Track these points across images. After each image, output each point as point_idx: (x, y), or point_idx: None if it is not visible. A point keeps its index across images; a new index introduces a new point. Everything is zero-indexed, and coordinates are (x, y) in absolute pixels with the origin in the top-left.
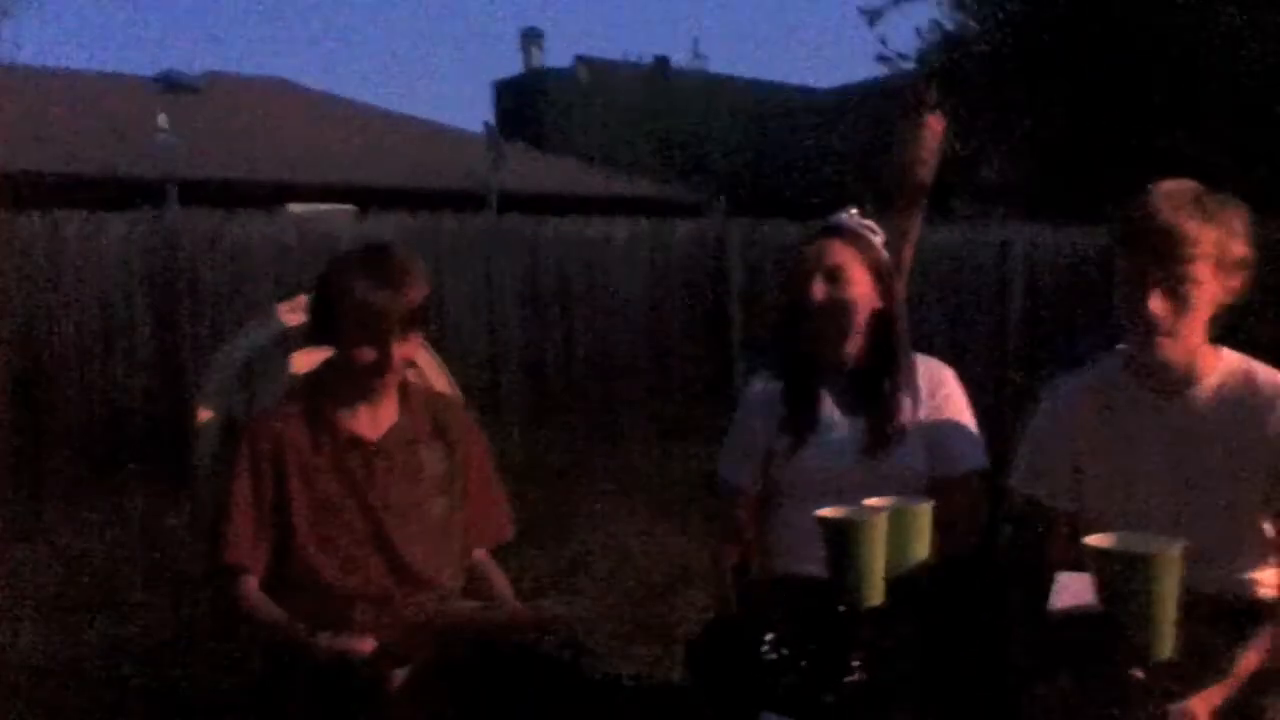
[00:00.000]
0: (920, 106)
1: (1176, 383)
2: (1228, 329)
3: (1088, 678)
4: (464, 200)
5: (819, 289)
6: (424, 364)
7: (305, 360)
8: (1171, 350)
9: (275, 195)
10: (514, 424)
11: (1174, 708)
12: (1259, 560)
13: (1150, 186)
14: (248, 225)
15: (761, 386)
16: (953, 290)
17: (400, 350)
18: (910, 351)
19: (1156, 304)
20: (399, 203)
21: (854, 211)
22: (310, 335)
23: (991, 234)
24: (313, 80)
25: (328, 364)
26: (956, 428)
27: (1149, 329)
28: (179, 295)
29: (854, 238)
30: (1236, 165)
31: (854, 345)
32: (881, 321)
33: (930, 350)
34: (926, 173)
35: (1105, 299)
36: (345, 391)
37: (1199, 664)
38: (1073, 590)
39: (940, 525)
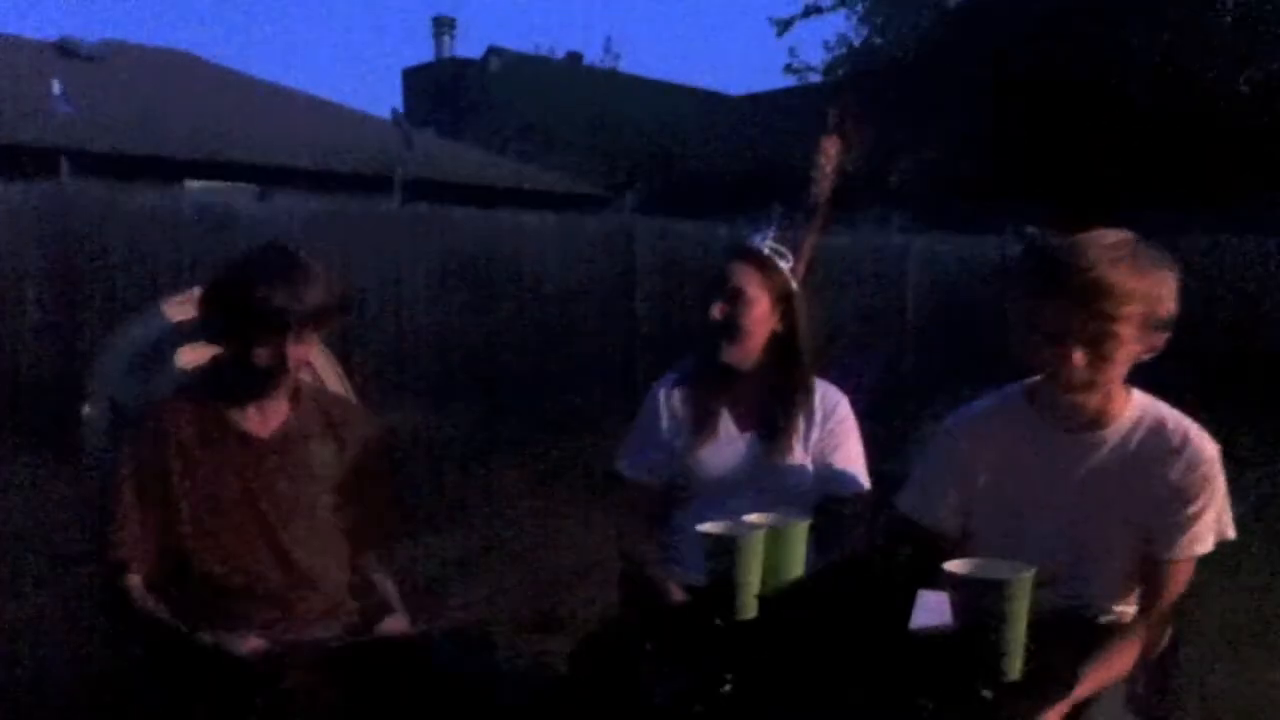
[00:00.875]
0: (823, 130)
1: (1083, 425)
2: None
3: (945, 699)
4: (369, 184)
5: (718, 309)
6: (318, 364)
7: (191, 356)
8: (1087, 399)
9: (174, 170)
10: (419, 409)
11: None
12: (1124, 587)
13: (1084, 235)
14: (145, 200)
15: (667, 387)
16: (853, 293)
17: (296, 352)
18: (809, 372)
19: (1079, 359)
20: (302, 184)
21: (770, 235)
22: (205, 332)
23: (890, 240)
24: (217, 55)
25: (219, 361)
26: (844, 451)
27: (1067, 381)
28: (72, 267)
29: (760, 262)
30: (1135, 177)
31: (751, 363)
32: (781, 343)
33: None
34: (822, 190)
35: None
36: (237, 389)
37: (1049, 681)
38: (933, 609)
39: (818, 542)
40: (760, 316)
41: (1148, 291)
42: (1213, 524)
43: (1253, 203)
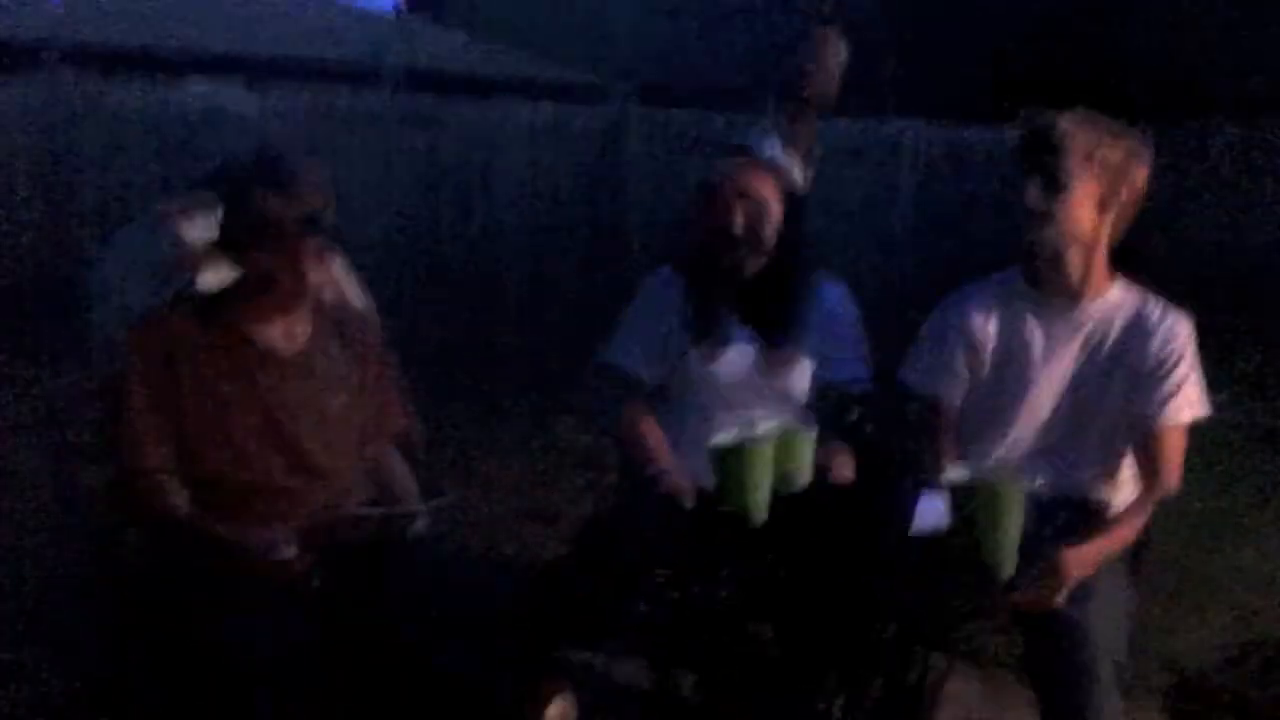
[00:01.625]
0: (822, 20)
1: (1070, 291)
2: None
3: (944, 593)
4: (364, 77)
5: (741, 216)
6: (339, 277)
7: (215, 278)
8: (1058, 248)
9: (166, 65)
10: (406, 307)
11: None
12: (1112, 470)
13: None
14: (132, 94)
15: (663, 280)
16: (848, 185)
17: (307, 257)
18: (811, 273)
19: (1033, 193)
20: (292, 74)
21: (776, 141)
22: (221, 244)
23: (884, 129)
24: None
25: (241, 278)
26: (846, 344)
27: (1028, 214)
28: (59, 163)
29: (768, 164)
30: (1131, 74)
31: (755, 264)
32: (783, 244)
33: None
34: (825, 85)
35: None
36: (259, 304)
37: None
38: (933, 512)
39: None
40: (776, 224)
41: (1092, 134)
42: (1195, 395)
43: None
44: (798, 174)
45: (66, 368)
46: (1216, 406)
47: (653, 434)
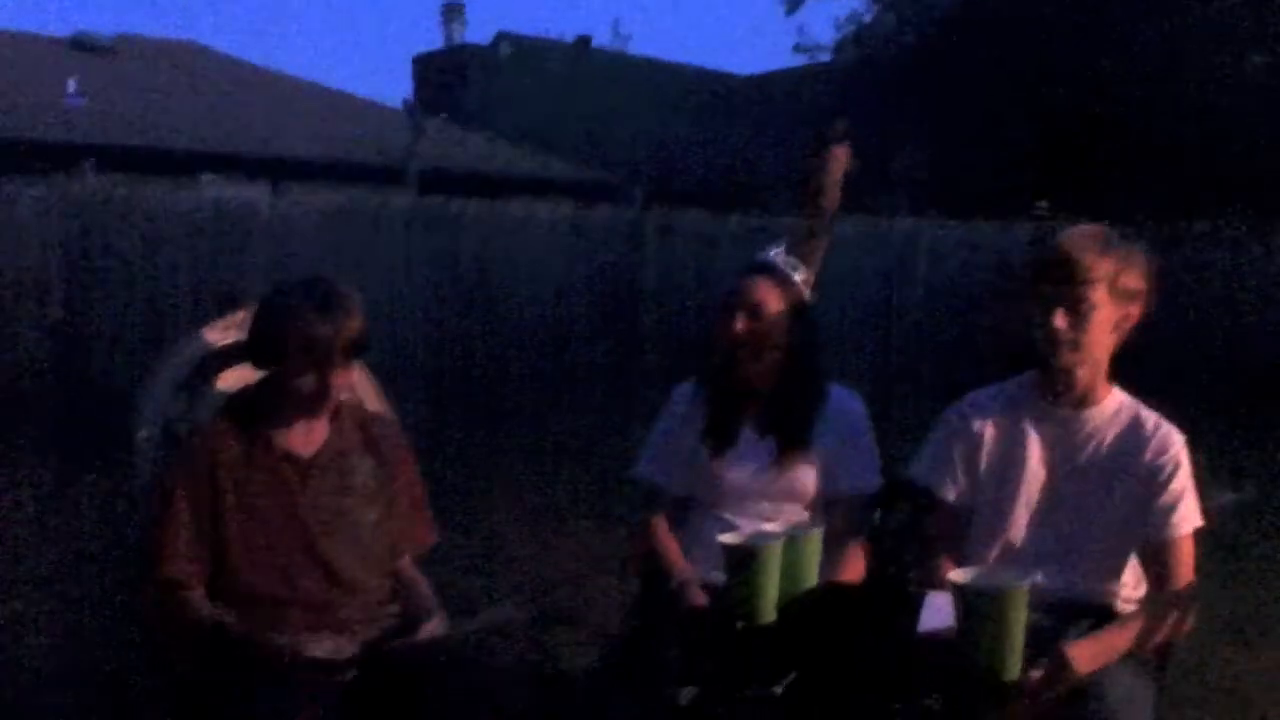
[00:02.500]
0: (831, 138)
1: (1075, 401)
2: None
3: (949, 699)
4: (382, 176)
5: (740, 323)
6: (357, 381)
7: (232, 378)
8: (1076, 364)
9: (188, 164)
10: (427, 400)
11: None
12: (1118, 575)
13: (1066, 229)
14: (161, 196)
15: (687, 393)
16: (857, 280)
17: (338, 379)
18: (823, 380)
19: (1060, 320)
20: (315, 175)
21: (780, 250)
22: (251, 358)
23: (897, 226)
24: (229, 47)
25: (263, 383)
26: (856, 452)
27: (1055, 342)
28: (90, 264)
29: (776, 277)
30: (1141, 169)
31: (770, 373)
32: (796, 353)
33: (830, 337)
34: (832, 200)
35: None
36: (281, 410)
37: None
38: (940, 612)
39: (830, 537)
40: (779, 330)
41: (1111, 263)
42: (1191, 507)
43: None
44: (806, 284)
45: (99, 471)
46: (1241, 502)
47: (669, 545)
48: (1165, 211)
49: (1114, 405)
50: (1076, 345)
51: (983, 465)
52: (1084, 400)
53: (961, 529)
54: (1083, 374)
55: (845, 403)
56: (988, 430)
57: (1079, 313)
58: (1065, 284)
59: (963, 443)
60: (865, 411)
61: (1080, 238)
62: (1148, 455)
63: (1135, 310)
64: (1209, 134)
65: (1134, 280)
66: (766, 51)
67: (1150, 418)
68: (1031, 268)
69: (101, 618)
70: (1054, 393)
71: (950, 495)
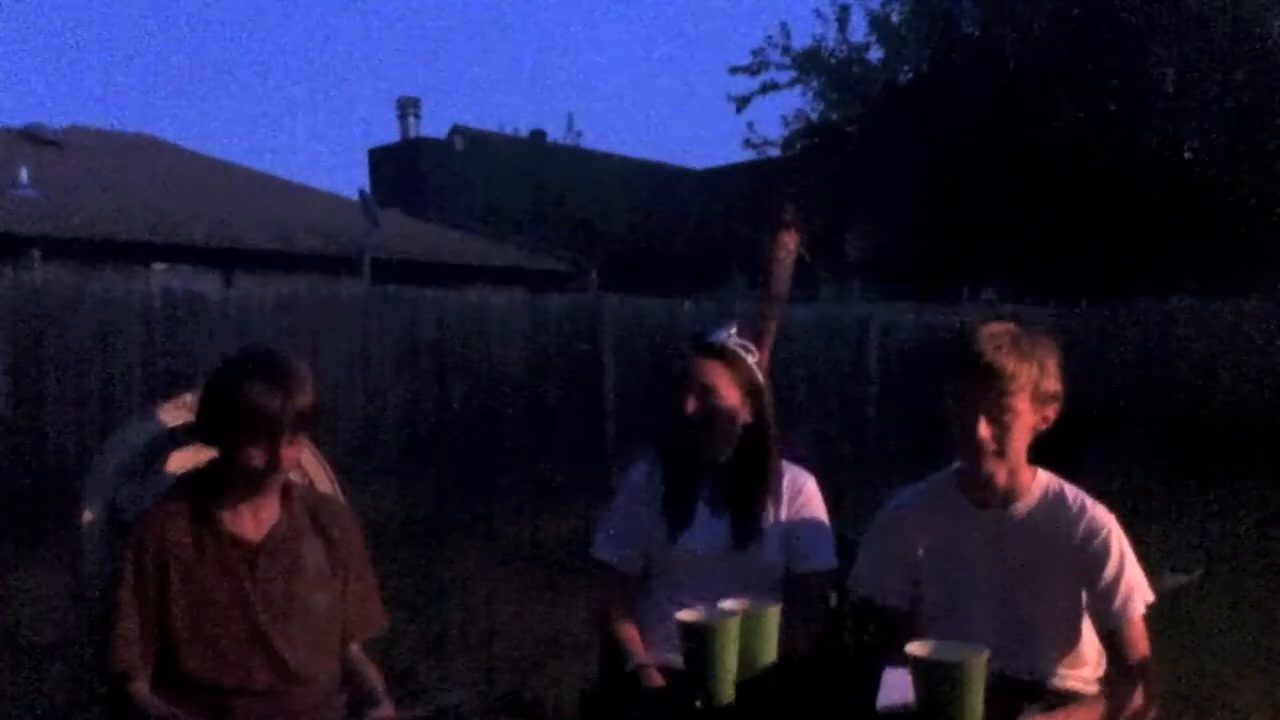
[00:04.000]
0: (779, 225)
1: (1000, 498)
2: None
3: None
4: (337, 265)
5: (692, 403)
6: (307, 463)
7: (181, 460)
8: (997, 468)
9: (140, 254)
10: (387, 489)
11: None
12: (1069, 660)
13: (974, 326)
14: (113, 288)
15: (642, 472)
16: (813, 363)
17: (288, 453)
18: (778, 459)
19: (984, 429)
20: (268, 265)
21: (732, 332)
22: (199, 435)
23: (850, 311)
24: (182, 138)
25: (212, 464)
26: (812, 529)
27: (978, 450)
28: (40, 356)
29: (728, 357)
30: (1084, 247)
31: (724, 451)
32: (750, 432)
33: (792, 418)
34: (782, 283)
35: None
36: (229, 491)
37: None
38: (897, 688)
39: (790, 614)
40: (731, 410)
41: (1032, 370)
42: (1136, 586)
43: (1197, 268)
44: (753, 361)
45: (46, 562)
46: (1189, 571)
47: (623, 624)
48: (1126, 282)
49: (1038, 493)
50: (1001, 453)
51: (923, 567)
52: (1008, 497)
53: (912, 628)
54: (1002, 476)
55: (799, 480)
56: (921, 532)
57: (1002, 422)
58: (988, 392)
59: (899, 547)
60: (818, 490)
61: (998, 341)
62: (1078, 539)
63: (1052, 412)
64: (1163, 208)
65: (1052, 383)
66: (717, 148)
67: (1076, 500)
68: (949, 367)
69: (46, 710)
70: (978, 492)
71: (893, 602)
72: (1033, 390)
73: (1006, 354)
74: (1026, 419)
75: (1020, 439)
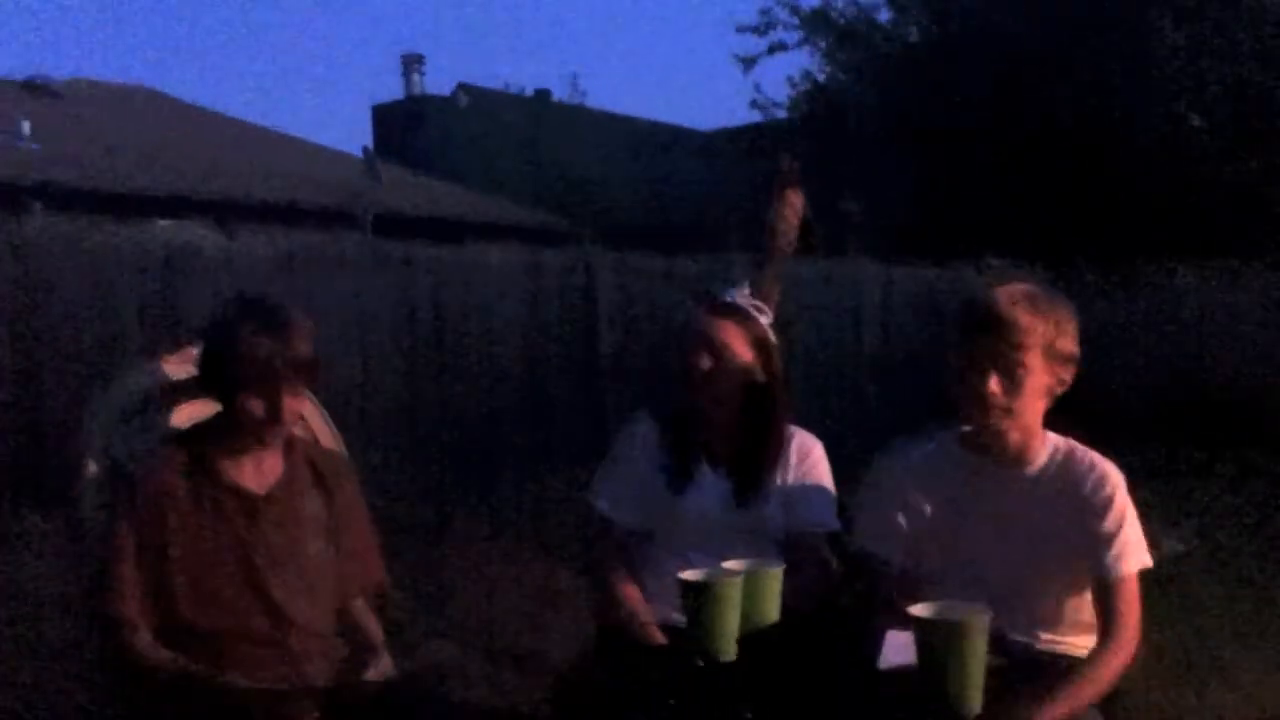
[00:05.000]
0: (784, 181)
1: (1009, 460)
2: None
3: None
4: (337, 220)
5: (706, 361)
6: (310, 416)
7: (189, 412)
8: (1007, 427)
9: (142, 207)
10: (381, 448)
11: None
12: (1072, 623)
13: (989, 285)
14: (111, 237)
15: (643, 427)
16: (813, 322)
17: (290, 404)
18: (786, 420)
19: (994, 385)
20: (269, 218)
21: (745, 291)
22: (200, 386)
23: (850, 270)
24: (187, 92)
25: (215, 416)
26: (816, 492)
27: (987, 407)
28: (39, 306)
29: (740, 316)
30: (1086, 218)
31: (732, 411)
32: (760, 392)
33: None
34: (787, 241)
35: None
36: (232, 443)
37: (1008, 715)
38: (899, 648)
39: (791, 576)
40: (744, 369)
41: (1045, 327)
42: (1134, 544)
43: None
44: (766, 322)
45: (50, 512)
46: (1186, 541)
47: (622, 579)
48: (1126, 254)
49: (1048, 453)
50: (1009, 410)
51: (924, 525)
52: (1018, 459)
53: (913, 587)
54: (1014, 437)
55: (806, 444)
56: (923, 489)
57: (1013, 378)
58: (999, 346)
59: (898, 501)
60: (824, 455)
61: (1014, 297)
62: (1085, 491)
63: (1068, 375)
64: (1163, 181)
65: (1068, 344)
66: (723, 109)
67: (1085, 456)
68: (961, 324)
69: (57, 663)
70: (984, 450)
71: (897, 555)
72: (1046, 348)
73: (1021, 309)
74: (1039, 377)
75: (1031, 398)
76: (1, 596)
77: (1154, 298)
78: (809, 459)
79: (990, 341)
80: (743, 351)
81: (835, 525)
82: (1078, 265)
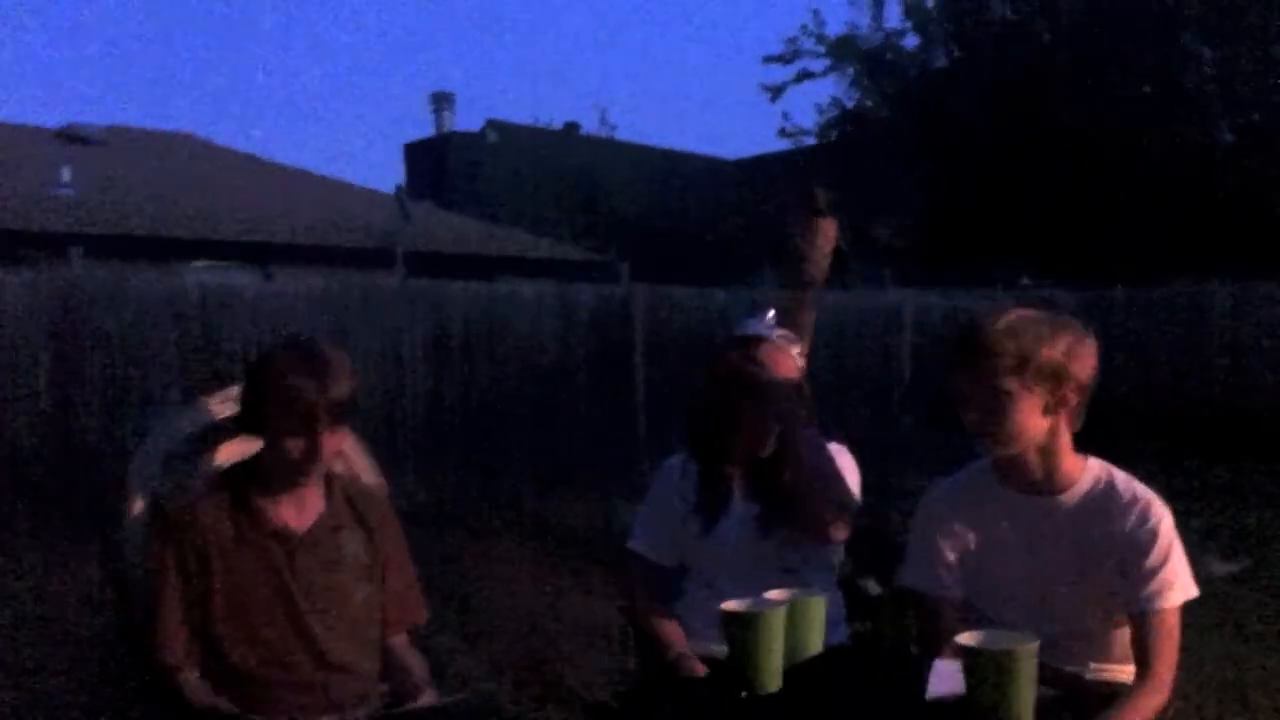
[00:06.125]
0: (816, 209)
1: (1041, 488)
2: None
3: None
4: (371, 259)
5: (733, 397)
6: (350, 453)
7: (230, 451)
8: (1020, 454)
9: (178, 251)
10: (419, 483)
11: None
12: (1120, 653)
13: (981, 311)
14: (150, 282)
15: (678, 464)
16: (845, 351)
17: (329, 442)
18: (807, 449)
19: (971, 416)
20: (304, 260)
21: (769, 320)
22: (240, 425)
23: (883, 298)
24: (221, 136)
25: (256, 455)
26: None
27: (978, 436)
28: (80, 352)
29: (765, 349)
30: (1118, 232)
31: (763, 444)
32: (790, 425)
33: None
34: (819, 270)
35: None
36: (272, 482)
37: None
38: (946, 677)
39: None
40: (772, 405)
41: (1015, 346)
42: (1176, 579)
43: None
44: (795, 353)
45: (88, 555)
46: (1232, 560)
47: (659, 614)
48: (1159, 272)
49: (1088, 483)
50: (998, 438)
51: (966, 559)
52: (1049, 485)
53: (967, 618)
54: (1033, 460)
55: (838, 456)
56: (963, 523)
57: (989, 405)
58: (969, 375)
59: (944, 536)
60: (853, 462)
61: (994, 323)
62: (1128, 526)
63: (1071, 391)
64: (1195, 198)
65: (1055, 356)
66: (751, 139)
67: (1128, 489)
68: (945, 359)
69: (89, 706)
70: (1013, 480)
71: (951, 593)
72: (1016, 368)
73: (993, 334)
74: (1023, 399)
75: (1025, 421)
76: (42, 635)
77: (1189, 309)
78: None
79: (960, 372)
80: (773, 383)
81: (854, 506)
82: (1110, 284)
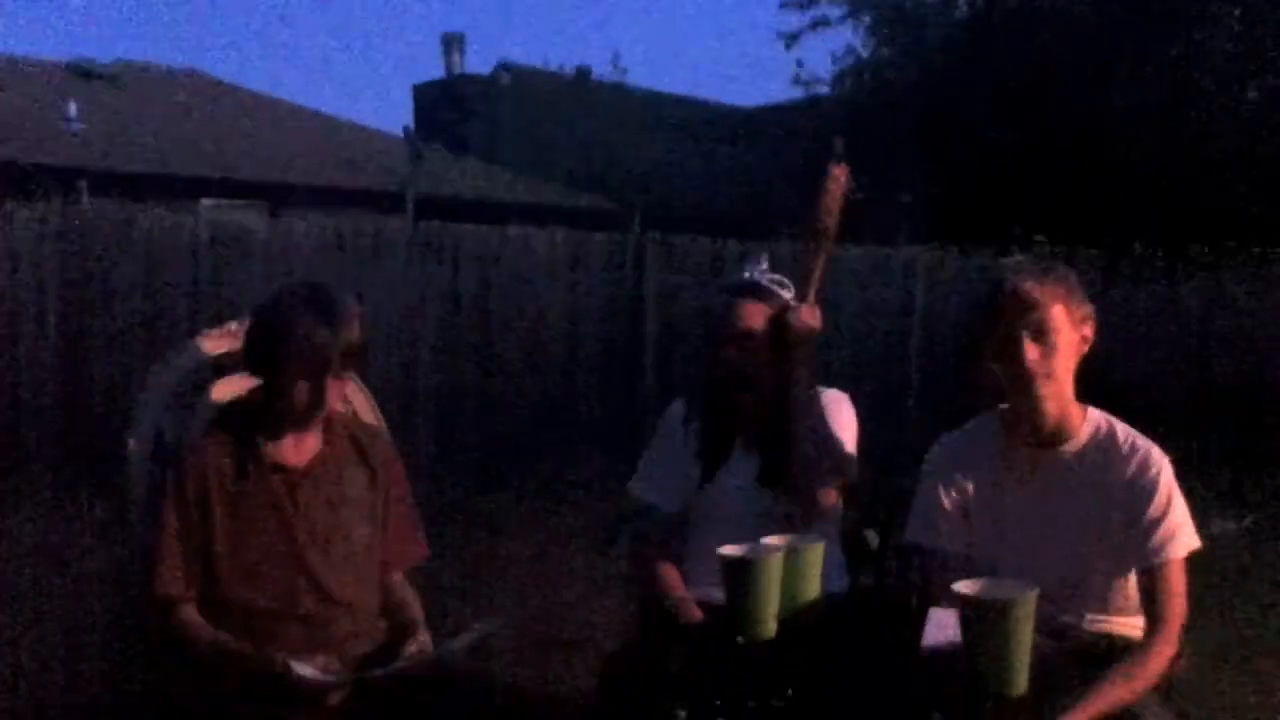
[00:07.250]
0: (830, 160)
1: (1048, 438)
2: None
3: (953, 714)
4: (381, 201)
5: (730, 353)
6: (353, 396)
7: (226, 388)
8: (1047, 398)
9: (188, 189)
10: (427, 428)
11: None
12: (1119, 604)
13: (999, 266)
14: (159, 221)
15: (679, 413)
16: (859, 309)
17: (335, 387)
18: (806, 394)
19: (1032, 351)
20: (313, 201)
21: (763, 265)
22: (244, 364)
23: (897, 255)
24: (229, 74)
25: (256, 393)
26: (839, 443)
27: (1031, 375)
28: (88, 289)
29: (761, 295)
30: (1144, 199)
31: (760, 392)
32: (789, 371)
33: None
34: (831, 220)
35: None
36: (272, 420)
37: (1054, 696)
38: (944, 627)
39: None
40: (767, 351)
41: (1061, 288)
42: (1179, 528)
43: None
44: (798, 301)
45: (98, 489)
46: (1239, 520)
47: (660, 560)
48: (1168, 241)
49: (1089, 432)
50: (1050, 374)
51: (971, 514)
52: (1057, 436)
53: (965, 566)
54: (1052, 407)
55: (834, 401)
56: (969, 478)
57: (1046, 341)
58: (1027, 315)
59: (949, 492)
60: (852, 412)
61: (1025, 269)
62: (1128, 475)
63: (1088, 331)
64: (1209, 165)
65: (1081, 301)
66: (764, 86)
67: (1129, 437)
68: (987, 309)
69: (97, 639)
70: (1025, 434)
71: (955, 546)
72: (1065, 306)
73: (1030, 278)
74: (1068, 335)
75: (1065, 358)
76: (48, 569)
77: (1201, 284)
78: (839, 417)
79: (1017, 313)
80: (765, 333)
81: (854, 475)
82: (1127, 249)
